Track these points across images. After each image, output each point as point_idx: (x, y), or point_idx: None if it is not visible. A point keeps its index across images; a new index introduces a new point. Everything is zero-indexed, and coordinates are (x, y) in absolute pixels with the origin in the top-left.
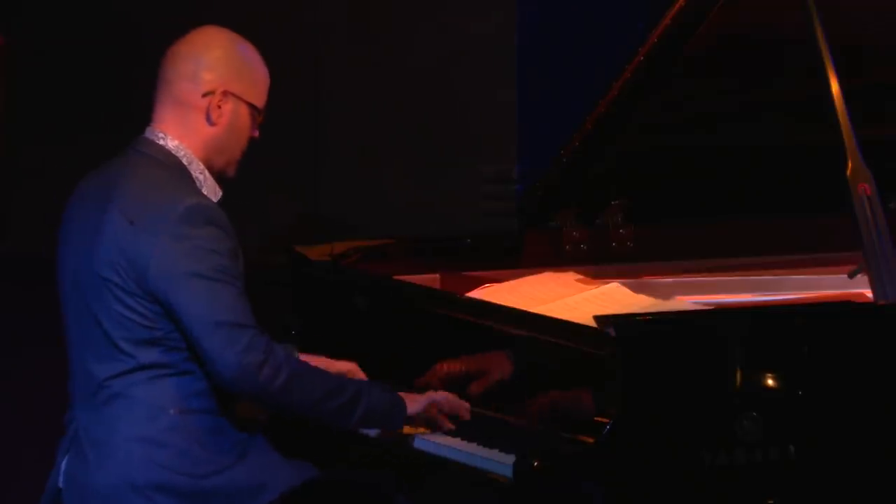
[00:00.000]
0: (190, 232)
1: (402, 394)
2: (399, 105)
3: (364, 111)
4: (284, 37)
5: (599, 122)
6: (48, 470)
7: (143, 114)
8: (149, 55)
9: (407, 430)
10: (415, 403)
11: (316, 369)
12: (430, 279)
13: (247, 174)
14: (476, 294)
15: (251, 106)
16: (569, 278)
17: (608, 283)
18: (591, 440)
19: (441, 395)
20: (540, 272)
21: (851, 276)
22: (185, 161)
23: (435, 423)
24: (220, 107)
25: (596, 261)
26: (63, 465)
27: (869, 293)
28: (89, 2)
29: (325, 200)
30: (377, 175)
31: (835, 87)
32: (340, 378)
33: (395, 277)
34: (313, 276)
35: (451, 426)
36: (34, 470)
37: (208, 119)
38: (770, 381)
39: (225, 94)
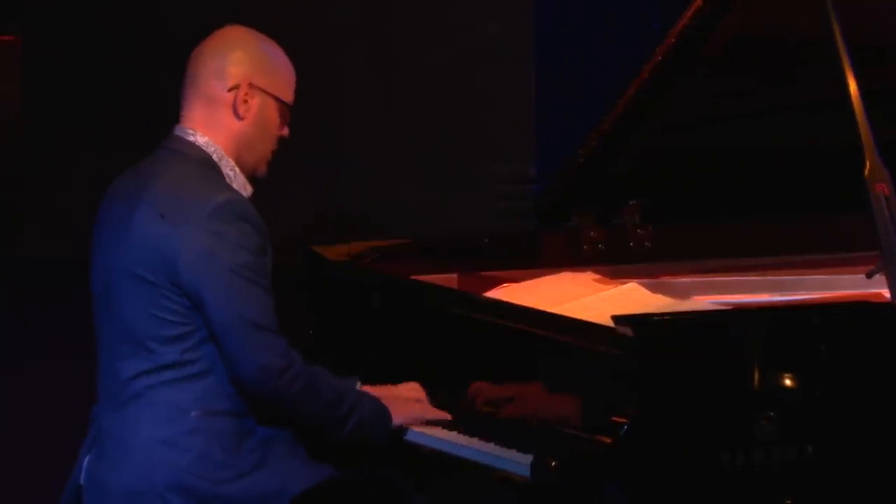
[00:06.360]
0: (221, 228)
1: (385, 400)
2: (416, 105)
3: (380, 111)
4: (301, 37)
5: (617, 121)
6: (69, 466)
7: (158, 120)
8: (163, 62)
9: (422, 428)
10: (399, 417)
11: (322, 377)
12: (448, 279)
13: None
14: (494, 294)
15: (278, 101)
16: (586, 278)
17: (626, 282)
18: (608, 440)
19: (424, 415)
20: (558, 272)
21: (869, 276)
22: (215, 157)
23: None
24: (246, 101)
25: (614, 261)
26: (85, 463)
27: (887, 293)
28: (107, 3)
29: (341, 200)
30: (393, 175)
31: (853, 86)
32: (340, 386)
33: (413, 277)
34: (332, 277)
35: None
36: (54, 466)
37: (235, 113)
38: (788, 381)
39: (251, 87)
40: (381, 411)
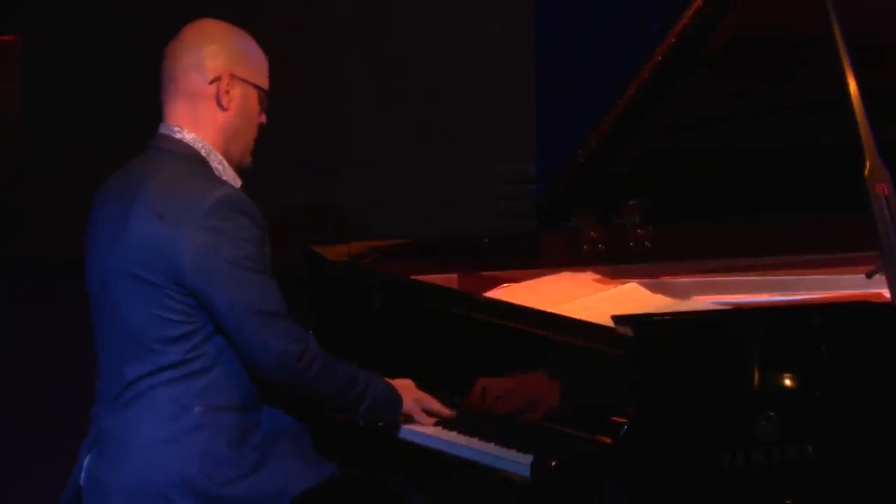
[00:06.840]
0: (222, 224)
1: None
2: (416, 105)
3: (380, 111)
4: (301, 37)
5: (617, 121)
6: (69, 466)
7: (158, 120)
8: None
9: (422, 428)
10: (408, 399)
11: (336, 359)
12: (448, 279)
13: (264, 172)
14: (494, 294)
15: (258, 88)
16: (587, 278)
17: (626, 282)
18: (608, 440)
19: (431, 402)
20: (558, 272)
21: (869, 276)
22: (203, 152)
23: (412, 418)
24: (228, 91)
25: (614, 261)
26: (85, 463)
27: (887, 293)
28: (107, 3)
29: (341, 200)
30: (393, 175)
31: (853, 86)
32: (353, 369)
33: (413, 277)
34: (332, 277)
35: (430, 420)
36: (55, 466)
37: (219, 105)
38: (788, 381)
39: (232, 77)
40: (391, 393)
